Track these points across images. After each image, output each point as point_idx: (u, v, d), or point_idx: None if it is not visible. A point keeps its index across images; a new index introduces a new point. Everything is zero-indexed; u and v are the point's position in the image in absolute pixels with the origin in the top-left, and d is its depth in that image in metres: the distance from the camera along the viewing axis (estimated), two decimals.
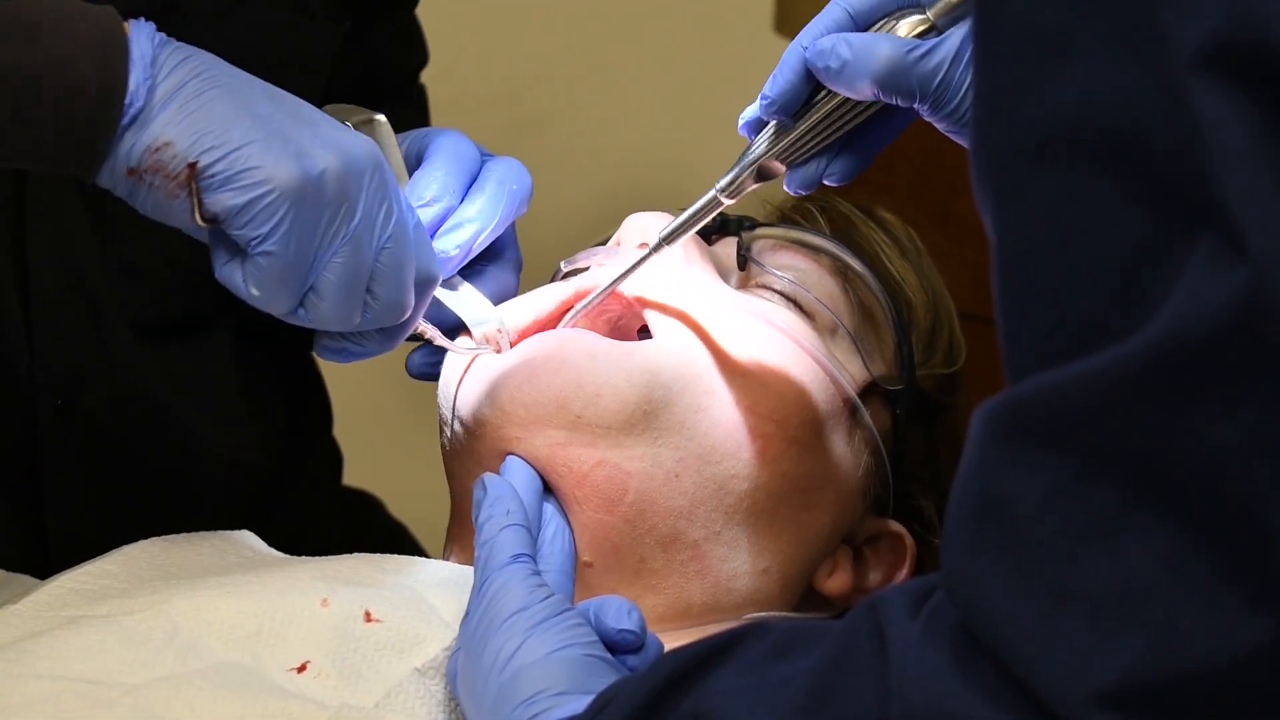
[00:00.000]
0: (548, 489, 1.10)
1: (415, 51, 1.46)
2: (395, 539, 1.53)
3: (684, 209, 1.12)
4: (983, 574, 0.72)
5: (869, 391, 1.17)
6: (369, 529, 1.52)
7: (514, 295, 1.20)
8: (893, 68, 1.03)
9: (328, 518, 1.48)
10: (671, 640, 0.99)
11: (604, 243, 1.20)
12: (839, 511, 1.16)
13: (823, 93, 1.07)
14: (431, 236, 1.13)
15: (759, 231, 1.21)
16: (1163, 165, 0.69)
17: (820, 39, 1.05)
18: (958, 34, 1.04)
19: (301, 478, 1.44)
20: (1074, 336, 0.71)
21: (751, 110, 1.09)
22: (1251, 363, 0.67)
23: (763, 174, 1.09)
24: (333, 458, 1.52)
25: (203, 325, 1.33)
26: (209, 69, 1.01)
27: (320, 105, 1.08)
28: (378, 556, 1.12)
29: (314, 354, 1.17)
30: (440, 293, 1.13)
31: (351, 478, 1.55)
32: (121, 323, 1.29)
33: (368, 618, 1.03)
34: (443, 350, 1.15)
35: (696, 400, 1.11)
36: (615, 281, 1.13)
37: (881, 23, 1.06)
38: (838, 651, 0.79)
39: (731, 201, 1.10)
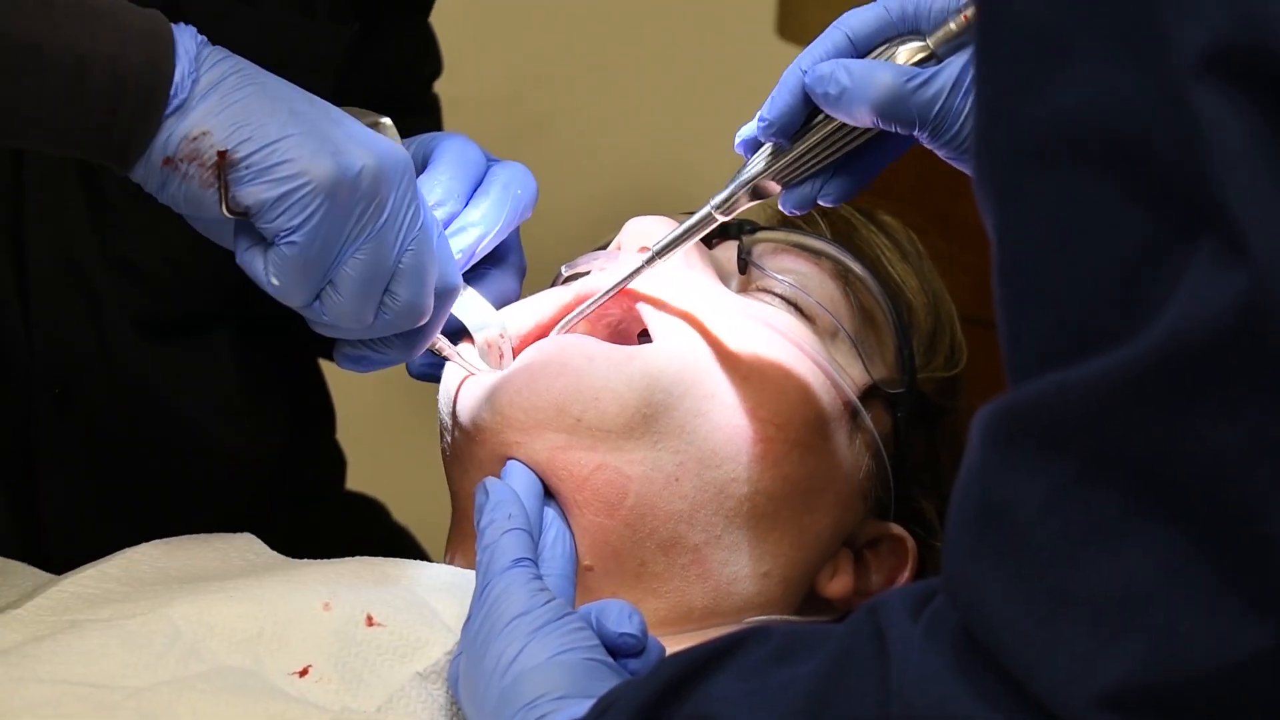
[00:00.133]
0: (548, 493, 1.10)
1: (429, 61, 1.46)
2: (399, 544, 1.53)
3: (680, 222, 1.12)
4: (983, 578, 0.72)
5: (870, 395, 1.17)
6: (372, 534, 1.52)
7: (516, 300, 1.20)
8: (892, 96, 1.03)
9: (330, 521, 1.48)
10: (673, 644, 0.99)
11: (604, 247, 1.21)
12: (840, 514, 1.16)
13: (820, 116, 1.07)
14: None
15: (759, 235, 1.21)
16: (1164, 167, 0.69)
17: (820, 64, 1.05)
18: (957, 62, 1.04)
19: (302, 478, 1.44)
20: (1075, 339, 0.71)
21: (748, 130, 1.09)
22: (1252, 365, 0.67)
23: (758, 193, 1.10)
24: (335, 461, 1.52)
25: (203, 326, 1.34)
26: (247, 68, 1.03)
27: None
28: (379, 560, 1.12)
29: (328, 361, 1.17)
30: None
31: (354, 482, 1.55)
32: (121, 316, 1.29)
33: (370, 622, 1.03)
34: None
35: (697, 404, 1.11)
36: (608, 292, 1.14)
37: (881, 49, 1.06)
38: (838, 655, 0.79)
39: (726, 218, 1.11)
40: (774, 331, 1.14)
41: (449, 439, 1.15)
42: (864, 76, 1.04)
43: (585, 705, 0.89)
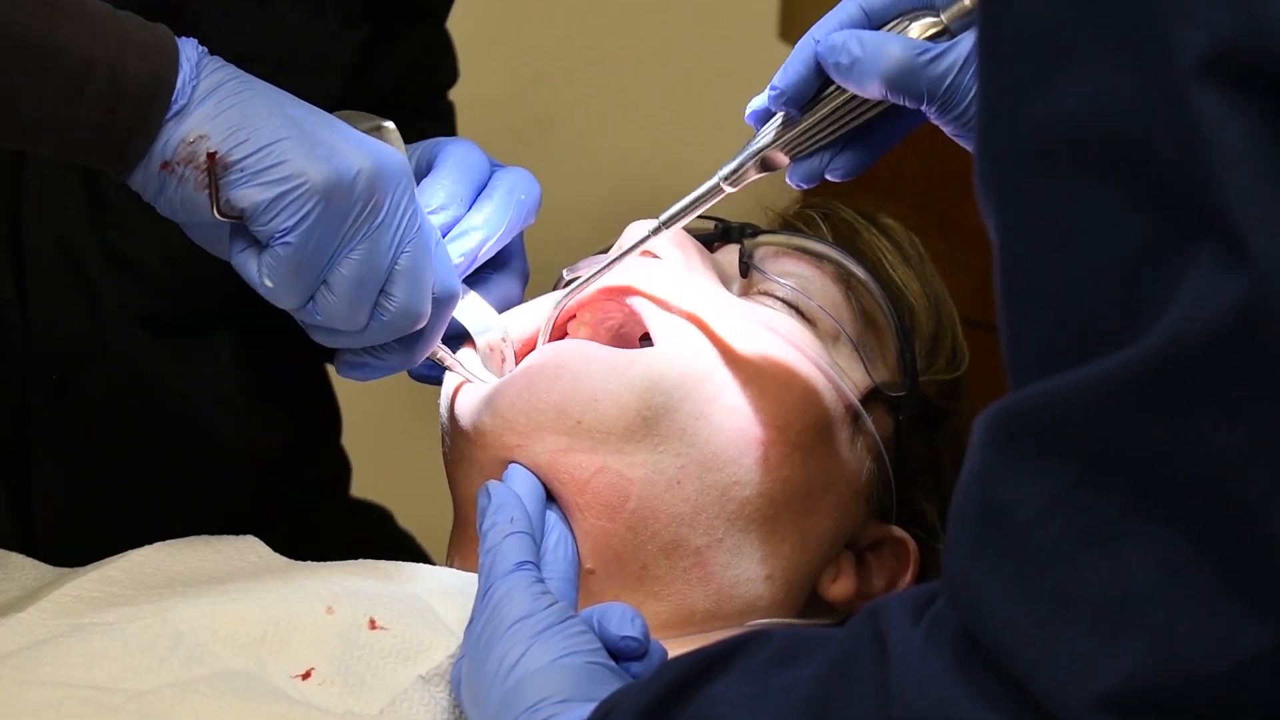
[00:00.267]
0: (550, 497, 1.10)
1: (445, 68, 1.45)
2: (402, 549, 1.53)
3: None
4: (984, 579, 0.72)
5: (871, 398, 1.17)
6: (377, 539, 1.52)
7: (519, 304, 1.20)
8: (902, 68, 1.03)
9: (334, 525, 1.48)
10: (675, 647, 0.99)
11: (606, 251, 1.20)
12: (842, 517, 1.15)
13: (832, 88, 1.07)
14: None
15: (761, 238, 1.21)
16: (1164, 169, 0.69)
17: (833, 34, 1.05)
18: (969, 39, 1.04)
19: (304, 478, 1.44)
20: (1076, 342, 0.71)
21: (759, 100, 1.09)
22: (1253, 368, 0.67)
23: (766, 165, 1.09)
24: (339, 464, 1.52)
25: (204, 326, 1.34)
26: (245, 76, 1.04)
27: (332, 112, 1.08)
28: (382, 563, 1.12)
29: (332, 369, 1.17)
30: None
31: (359, 488, 1.55)
32: (121, 314, 1.29)
33: (372, 625, 1.03)
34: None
35: (698, 407, 1.11)
36: (610, 264, 1.13)
37: (895, 22, 1.06)
38: (839, 658, 0.79)
39: (733, 189, 1.10)
40: (776, 335, 1.14)
41: (450, 442, 1.15)
42: (876, 48, 1.04)
43: (587, 709, 0.89)
